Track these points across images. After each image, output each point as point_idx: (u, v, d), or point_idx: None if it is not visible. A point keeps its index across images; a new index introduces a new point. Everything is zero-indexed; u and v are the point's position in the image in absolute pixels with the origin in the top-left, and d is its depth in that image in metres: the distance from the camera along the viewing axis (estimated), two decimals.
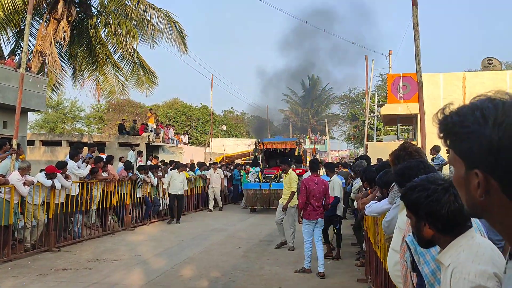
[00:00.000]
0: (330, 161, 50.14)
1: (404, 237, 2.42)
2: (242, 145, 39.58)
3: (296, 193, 9.21)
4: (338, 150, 66.72)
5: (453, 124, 0.98)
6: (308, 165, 9.35)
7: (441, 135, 1.01)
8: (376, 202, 4.08)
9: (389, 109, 19.31)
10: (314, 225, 7.46)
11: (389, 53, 24.97)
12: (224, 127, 44.98)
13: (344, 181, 9.93)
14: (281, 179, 9.76)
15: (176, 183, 13.19)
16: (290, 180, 9.23)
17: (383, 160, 14.56)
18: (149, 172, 12.87)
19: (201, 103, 50.83)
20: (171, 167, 14.33)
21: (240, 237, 10.78)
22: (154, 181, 12.87)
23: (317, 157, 36.84)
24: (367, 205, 4.24)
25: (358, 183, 7.62)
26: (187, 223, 13.31)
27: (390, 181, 3.53)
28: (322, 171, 14.56)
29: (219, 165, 19.91)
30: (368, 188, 5.75)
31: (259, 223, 13.25)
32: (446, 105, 1.02)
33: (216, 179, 16.61)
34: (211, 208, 16.24)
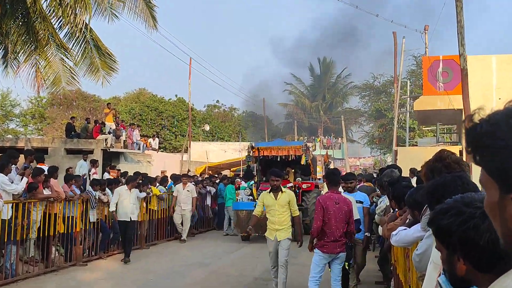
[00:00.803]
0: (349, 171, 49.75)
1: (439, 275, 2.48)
2: (231, 151, 39.69)
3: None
4: (358, 157, 67.00)
5: (483, 136, 1.01)
6: (325, 177, 8.98)
7: (469, 149, 1.06)
8: (405, 229, 4.14)
9: (425, 103, 19.45)
10: (332, 260, 7.38)
11: (424, 29, 25.17)
12: (207, 127, 45.03)
13: (367, 199, 9.80)
14: (272, 197, 8.73)
15: (126, 204, 12.40)
16: (291, 200, 8.64)
17: (418, 170, 14.66)
18: (107, 188, 12.89)
19: (176, 96, 50.90)
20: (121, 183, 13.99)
21: (228, 274, 10.82)
22: None
23: (331, 166, 37.02)
24: (393, 232, 4.29)
25: (384, 202, 7.64)
26: (157, 255, 13.32)
27: (423, 201, 3.60)
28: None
29: (198, 178, 19.93)
30: (396, 209, 5.81)
31: (253, 256, 13.28)
32: (476, 110, 1.07)
33: (185, 198, 15.73)
34: (185, 238, 15.73)
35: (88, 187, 13.12)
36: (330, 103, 65.75)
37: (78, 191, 12.32)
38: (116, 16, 18.12)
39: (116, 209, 12.42)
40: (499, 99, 17.84)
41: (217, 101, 58.30)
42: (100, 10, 17.86)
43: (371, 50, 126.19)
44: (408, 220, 4.47)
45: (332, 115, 64.14)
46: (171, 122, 45.94)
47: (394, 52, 23.74)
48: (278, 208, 8.62)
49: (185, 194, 15.84)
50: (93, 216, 12.29)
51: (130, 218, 12.52)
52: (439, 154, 3.30)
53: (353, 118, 63.16)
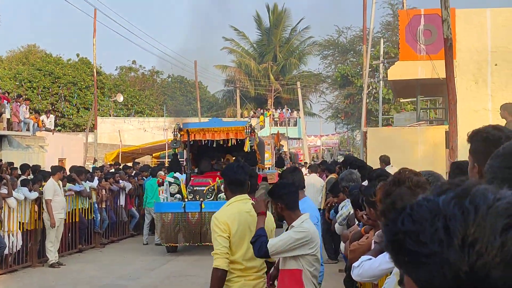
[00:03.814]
0: (307, 154, 49.77)
1: None
2: (153, 130, 39.49)
3: None
4: (320, 135, 67.77)
5: (405, 236, 1.04)
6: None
7: (392, 250, 1.08)
8: (370, 258, 4.08)
9: (402, 70, 19.71)
10: None
11: None
12: (121, 98, 44.40)
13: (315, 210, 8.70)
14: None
15: None
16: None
17: (389, 158, 14.95)
18: None
19: (77, 55, 50.02)
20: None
21: None
22: None
23: (285, 149, 37.00)
24: (355, 264, 4.21)
25: (346, 207, 7.77)
26: (53, 274, 13.23)
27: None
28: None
29: (108, 169, 19.76)
30: (361, 221, 5.73)
31: (183, 273, 13.35)
32: (395, 193, 1.13)
33: (59, 202, 14.15)
34: (54, 261, 14.06)
35: None
36: (283, 65, 65.69)
37: None
38: None
39: None
40: (496, 65, 18.21)
41: (134, 62, 57.29)
42: None
43: None
44: (374, 245, 4.42)
45: (285, 82, 64.23)
46: (72, 91, 45.22)
47: None
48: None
49: (58, 193, 14.33)
50: None
51: None
52: (398, 175, 3.32)
53: (312, 84, 63.66)
